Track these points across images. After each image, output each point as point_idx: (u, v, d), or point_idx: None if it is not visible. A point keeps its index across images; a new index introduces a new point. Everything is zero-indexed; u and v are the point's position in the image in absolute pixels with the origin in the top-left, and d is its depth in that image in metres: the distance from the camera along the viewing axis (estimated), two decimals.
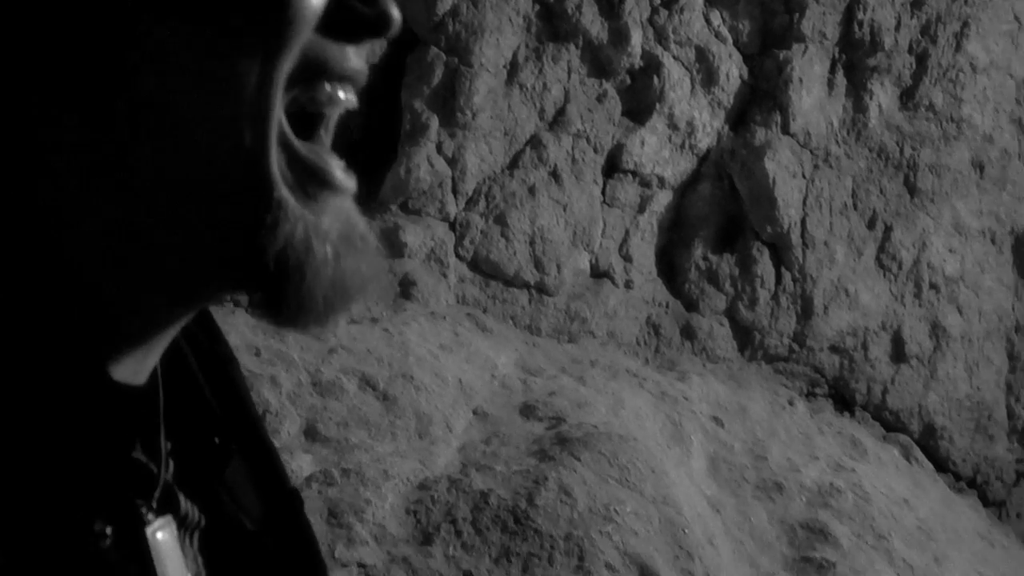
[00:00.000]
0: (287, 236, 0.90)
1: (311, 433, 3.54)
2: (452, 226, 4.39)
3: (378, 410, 3.65)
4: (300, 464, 3.38)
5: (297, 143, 0.90)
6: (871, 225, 4.86)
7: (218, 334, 1.26)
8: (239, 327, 3.66)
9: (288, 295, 0.94)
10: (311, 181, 0.91)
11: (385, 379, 3.74)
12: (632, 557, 3.43)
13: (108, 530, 0.97)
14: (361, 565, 3.21)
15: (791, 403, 4.67)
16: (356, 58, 0.91)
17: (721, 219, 4.73)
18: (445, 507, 3.40)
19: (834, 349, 4.84)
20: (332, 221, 0.92)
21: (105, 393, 0.97)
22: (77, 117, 0.87)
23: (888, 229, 4.88)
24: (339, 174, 0.93)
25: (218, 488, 1.15)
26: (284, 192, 0.89)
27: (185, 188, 0.89)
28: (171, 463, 1.09)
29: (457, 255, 4.37)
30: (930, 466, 4.86)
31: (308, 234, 0.91)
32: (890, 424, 4.90)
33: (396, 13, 0.87)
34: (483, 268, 4.40)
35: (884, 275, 4.90)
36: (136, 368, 1.02)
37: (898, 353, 4.91)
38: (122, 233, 0.91)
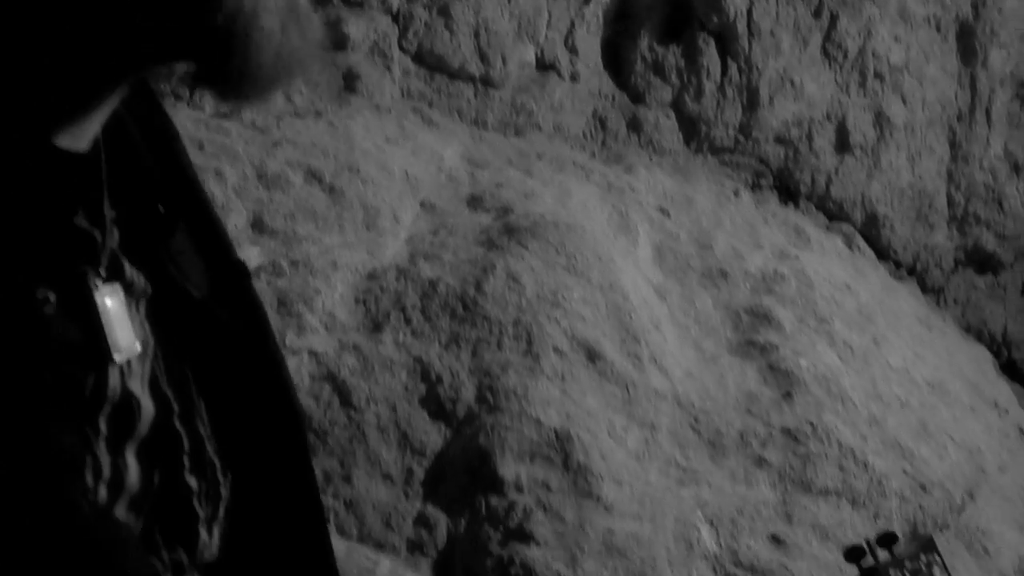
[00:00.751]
0: (234, 5, 0.90)
1: (258, 225, 3.55)
2: (395, 18, 4.33)
3: (325, 203, 3.66)
4: (248, 256, 3.39)
5: None
6: (817, 14, 4.84)
7: (159, 107, 1.25)
8: (181, 121, 3.62)
9: (232, 65, 0.94)
10: None
11: (331, 172, 3.74)
12: (580, 341, 3.51)
13: (51, 296, 0.98)
14: (312, 352, 3.27)
15: (736, 194, 4.71)
16: None
17: (667, 9, 4.69)
18: (394, 295, 3.44)
19: (779, 140, 4.87)
20: None
21: (45, 156, 0.97)
22: None
23: (834, 17, 4.86)
24: None
25: (164, 257, 1.16)
26: None
27: None
28: (116, 231, 1.10)
29: (401, 48, 4.32)
30: (872, 254, 4.95)
31: (255, 5, 0.90)
32: (833, 214, 4.96)
33: None
34: (427, 61, 4.36)
35: (829, 65, 4.90)
36: (77, 134, 1.02)
37: (842, 143, 4.94)
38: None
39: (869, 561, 2.28)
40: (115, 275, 1.09)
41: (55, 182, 0.97)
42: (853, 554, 2.20)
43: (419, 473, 3.27)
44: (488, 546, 3.17)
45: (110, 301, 1.06)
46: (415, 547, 3.19)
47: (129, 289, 1.11)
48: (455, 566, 3.15)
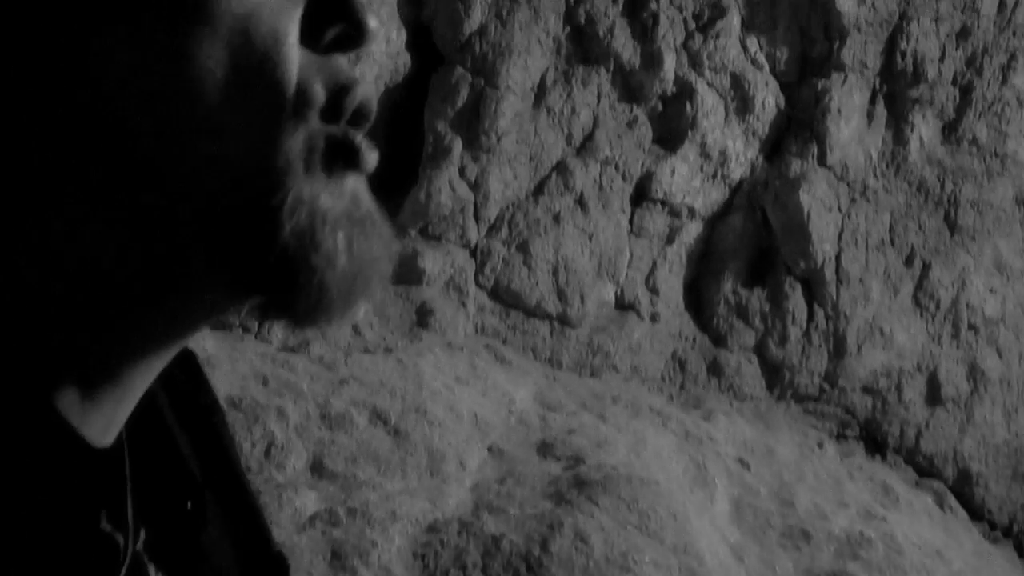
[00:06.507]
0: (293, 228, 0.77)
1: (317, 468, 3.39)
2: (473, 253, 4.24)
3: (388, 445, 3.51)
4: (304, 502, 3.23)
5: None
6: (908, 262, 4.69)
7: (203, 380, 1.11)
8: (247, 355, 3.52)
9: (299, 294, 0.80)
10: (328, 158, 0.79)
11: (397, 413, 3.59)
12: None
13: None
14: None
15: (820, 445, 4.50)
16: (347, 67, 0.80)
17: (752, 252, 4.57)
18: (455, 551, 3.24)
19: (867, 390, 4.67)
20: (335, 201, 0.79)
21: (74, 457, 0.83)
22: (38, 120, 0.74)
23: (926, 267, 4.71)
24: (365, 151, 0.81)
25: (194, 555, 1.02)
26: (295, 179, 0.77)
27: (177, 202, 0.76)
28: (142, 531, 0.95)
29: (477, 283, 4.23)
30: (964, 514, 4.68)
31: (313, 221, 0.77)
32: (924, 469, 4.72)
33: (372, 23, 0.75)
34: (504, 297, 4.26)
35: (920, 315, 4.72)
36: (106, 424, 0.88)
37: (933, 395, 4.73)
38: (98, 257, 0.78)
39: None
40: None
41: (79, 486, 0.84)
42: None
43: None
44: None
45: None
46: None
47: None
48: None
